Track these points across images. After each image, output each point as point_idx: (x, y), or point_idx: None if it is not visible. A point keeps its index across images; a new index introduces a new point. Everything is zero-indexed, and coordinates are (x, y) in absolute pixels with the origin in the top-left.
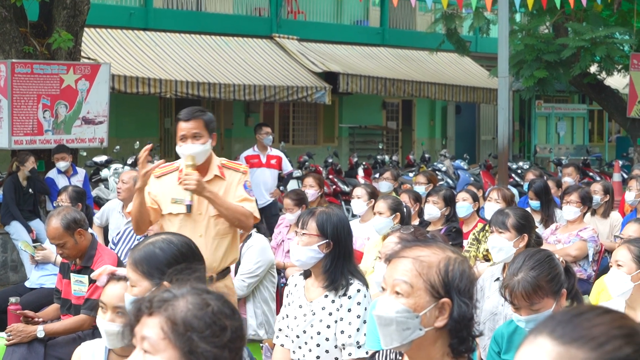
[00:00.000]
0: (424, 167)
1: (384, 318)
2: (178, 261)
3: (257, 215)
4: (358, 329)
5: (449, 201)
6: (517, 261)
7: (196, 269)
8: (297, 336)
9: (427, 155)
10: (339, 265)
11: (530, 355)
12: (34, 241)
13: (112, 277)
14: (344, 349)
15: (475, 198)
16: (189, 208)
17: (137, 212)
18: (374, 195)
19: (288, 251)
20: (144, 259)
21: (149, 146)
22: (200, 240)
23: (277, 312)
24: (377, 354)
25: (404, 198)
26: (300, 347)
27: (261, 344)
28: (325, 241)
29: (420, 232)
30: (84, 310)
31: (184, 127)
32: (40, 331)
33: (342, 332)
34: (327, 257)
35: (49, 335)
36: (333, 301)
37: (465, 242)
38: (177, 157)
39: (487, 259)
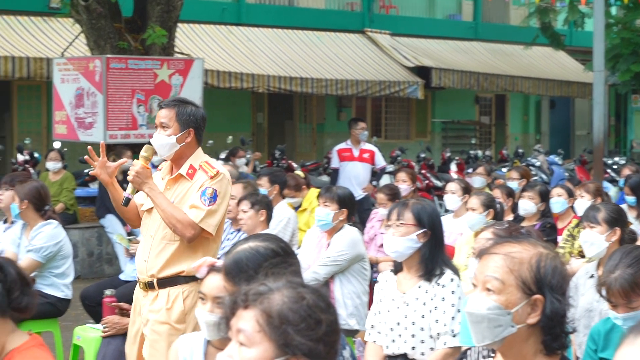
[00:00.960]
0: (517, 162)
1: (475, 315)
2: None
3: (206, 227)
4: (452, 318)
5: (544, 197)
6: (613, 258)
7: (292, 262)
8: (391, 329)
9: (520, 150)
10: (435, 254)
11: (630, 357)
12: (129, 234)
13: (212, 268)
14: (438, 338)
15: (570, 194)
16: (126, 201)
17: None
18: (467, 190)
19: (381, 245)
20: (235, 267)
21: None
22: (149, 240)
23: (369, 305)
24: (468, 351)
25: (497, 193)
26: (394, 341)
27: (354, 338)
28: (422, 230)
29: (514, 228)
30: None
31: (159, 114)
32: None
33: (437, 321)
34: (424, 247)
35: None
36: (427, 291)
37: (559, 239)
38: (270, 152)
39: (582, 255)
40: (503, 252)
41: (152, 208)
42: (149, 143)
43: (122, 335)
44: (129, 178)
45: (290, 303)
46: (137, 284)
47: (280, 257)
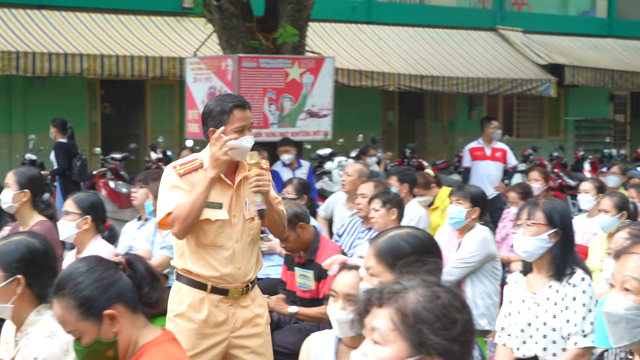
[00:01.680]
0: None
1: (612, 315)
2: (423, 255)
3: None
4: (584, 318)
5: None
6: None
7: (427, 261)
8: (522, 330)
9: None
10: (566, 254)
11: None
12: (261, 232)
13: (344, 266)
14: (569, 338)
15: None
16: (263, 213)
17: (195, 211)
18: (601, 189)
19: (512, 245)
20: (389, 250)
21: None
22: (237, 245)
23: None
24: (605, 353)
25: (632, 193)
26: (524, 342)
27: (486, 339)
28: (554, 230)
29: None
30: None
31: (242, 115)
32: (293, 307)
33: (568, 321)
34: (556, 246)
35: (300, 317)
36: (557, 291)
37: None
38: (400, 150)
39: None
40: None
41: (220, 219)
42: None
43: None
44: (262, 189)
45: (425, 302)
46: (209, 295)
47: (426, 254)
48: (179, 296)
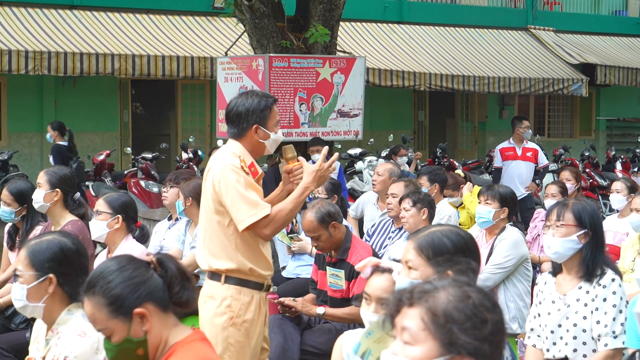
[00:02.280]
0: None
1: None
2: (464, 253)
3: None
4: (614, 319)
5: None
6: None
7: (459, 260)
8: (552, 331)
9: None
10: (596, 255)
11: None
12: (290, 232)
13: (377, 269)
14: (599, 339)
15: None
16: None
17: (293, 216)
18: (633, 189)
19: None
20: (431, 245)
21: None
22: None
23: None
24: (637, 353)
25: None
26: (555, 343)
27: (516, 339)
28: (583, 231)
29: None
30: (356, 303)
31: (277, 110)
32: (320, 308)
33: (598, 322)
34: (586, 247)
35: (327, 318)
36: (587, 292)
37: None
38: (431, 150)
39: None
40: None
41: None
42: (283, 143)
43: (285, 332)
44: (317, 182)
45: (456, 302)
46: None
47: (466, 252)
48: (241, 301)
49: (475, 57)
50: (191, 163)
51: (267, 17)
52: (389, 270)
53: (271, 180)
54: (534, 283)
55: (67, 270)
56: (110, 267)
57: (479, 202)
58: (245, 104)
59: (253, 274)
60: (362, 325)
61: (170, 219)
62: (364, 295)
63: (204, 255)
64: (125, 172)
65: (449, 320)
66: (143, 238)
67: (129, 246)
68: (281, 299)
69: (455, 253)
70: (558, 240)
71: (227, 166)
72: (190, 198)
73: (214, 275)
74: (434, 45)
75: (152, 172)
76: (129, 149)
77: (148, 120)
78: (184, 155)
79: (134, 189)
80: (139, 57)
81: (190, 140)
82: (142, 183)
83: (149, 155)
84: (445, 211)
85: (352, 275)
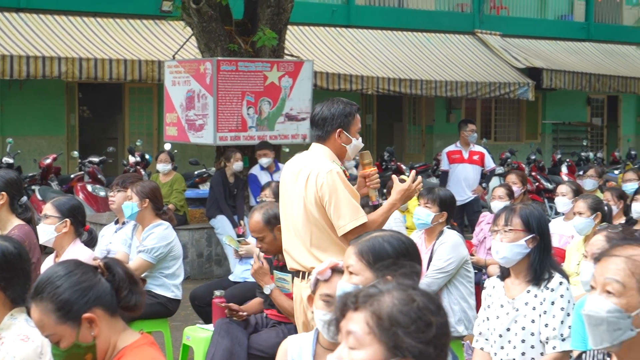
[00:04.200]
0: (629, 164)
1: (594, 318)
2: (405, 258)
3: None
4: (562, 322)
5: None
6: None
7: (402, 264)
8: (500, 335)
9: (633, 152)
10: (544, 259)
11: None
12: (239, 236)
13: (336, 270)
14: (547, 342)
15: None
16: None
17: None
18: (578, 192)
19: (490, 248)
20: (372, 250)
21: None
22: None
23: (478, 307)
24: (584, 355)
25: (608, 196)
26: (503, 347)
27: (462, 342)
28: (531, 236)
29: (628, 231)
30: None
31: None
32: (267, 288)
33: (546, 325)
34: (533, 252)
35: (272, 299)
36: (536, 295)
37: None
38: (379, 154)
39: None
40: (625, 255)
41: None
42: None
43: (232, 335)
44: (403, 200)
45: (401, 305)
46: None
47: (407, 257)
48: None
49: (423, 61)
50: (138, 167)
51: (214, 20)
52: None
53: (218, 182)
54: (479, 286)
55: (9, 275)
56: (57, 272)
57: (419, 204)
58: (332, 109)
59: None
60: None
61: (117, 222)
62: (323, 297)
63: (310, 254)
64: (72, 175)
65: (393, 323)
66: (92, 242)
67: (77, 250)
68: (229, 304)
69: (396, 258)
70: (506, 245)
71: (332, 171)
72: (147, 199)
73: None
74: (382, 49)
75: (99, 176)
76: (75, 152)
77: (95, 124)
78: (131, 159)
79: (80, 193)
80: (86, 60)
81: (137, 143)
82: (89, 187)
83: (96, 159)
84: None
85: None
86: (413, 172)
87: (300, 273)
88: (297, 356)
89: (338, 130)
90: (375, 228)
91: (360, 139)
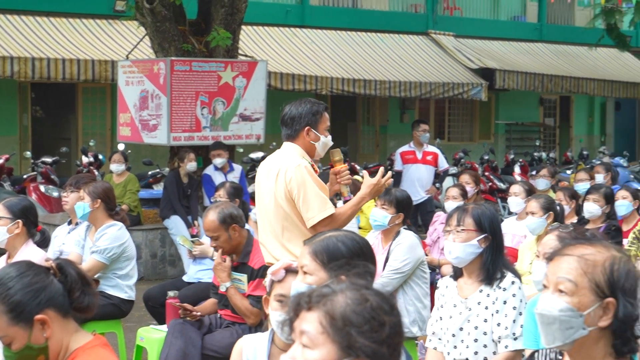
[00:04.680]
0: (582, 164)
1: (546, 316)
2: (359, 258)
3: None
4: (514, 321)
5: (609, 199)
6: None
7: (356, 264)
8: (453, 335)
9: (585, 152)
10: (496, 258)
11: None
12: (193, 236)
13: (290, 270)
14: (500, 342)
15: (635, 196)
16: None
17: (349, 221)
18: (531, 192)
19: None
20: (326, 250)
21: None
22: None
23: (432, 307)
24: (536, 354)
25: (560, 196)
26: (456, 346)
27: (416, 341)
28: (483, 235)
29: (579, 231)
30: (256, 304)
31: (327, 117)
32: (223, 285)
33: (498, 324)
34: (486, 251)
35: (228, 297)
36: (488, 295)
37: (625, 241)
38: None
39: None
40: (577, 254)
41: None
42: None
43: (186, 336)
44: (348, 182)
45: (354, 305)
46: None
47: (361, 257)
48: None
49: (377, 62)
50: (92, 167)
51: (168, 20)
52: None
53: (172, 183)
54: (433, 285)
55: None
56: (9, 273)
57: (375, 205)
58: (299, 108)
59: None
60: (259, 330)
61: (70, 223)
62: (278, 298)
63: (283, 248)
64: (25, 176)
65: (347, 323)
66: (44, 242)
67: (29, 251)
68: (183, 304)
69: (350, 258)
70: (459, 245)
71: (300, 165)
72: (99, 200)
73: None
74: (336, 50)
75: (52, 177)
76: (28, 152)
77: (48, 124)
78: (85, 159)
79: (33, 194)
80: (39, 60)
81: (90, 144)
82: (42, 187)
83: (49, 160)
84: None
85: (254, 278)
86: (382, 168)
87: None
88: (252, 356)
89: (306, 129)
90: (344, 220)
91: (329, 136)
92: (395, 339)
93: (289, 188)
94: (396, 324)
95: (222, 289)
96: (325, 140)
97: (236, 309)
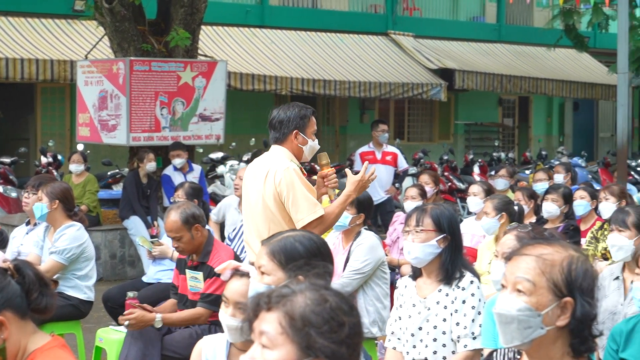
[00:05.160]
0: (540, 164)
1: (505, 316)
2: (316, 258)
3: None
4: (473, 320)
5: (568, 199)
6: None
7: (315, 265)
8: (412, 334)
9: (544, 153)
10: (455, 258)
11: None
12: (152, 237)
13: (236, 272)
14: (459, 341)
15: (593, 196)
16: None
17: (336, 220)
18: (490, 192)
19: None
20: (283, 250)
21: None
22: None
23: (392, 307)
24: (495, 353)
25: (519, 196)
26: (414, 346)
27: (376, 341)
28: (442, 235)
29: (538, 231)
30: (201, 304)
31: (315, 121)
32: (158, 321)
33: (457, 324)
34: (445, 251)
35: (167, 325)
36: (447, 294)
37: (583, 241)
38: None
39: (605, 257)
40: (535, 254)
41: None
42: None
43: (145, 338)
44: (335, 185)
45: (313, 305)
46: None
47: (318, 257)
48: None
49: (336, 62)
50: (50, 167)
51: (127, 20)
52: (248, 275)
53: (131, 183)
54: (392, 286)
55: None
56: None
57: None
58: (287, 112)
59: None
60: (219, 330)
61: (28, 224)
62: (223, 298)
63: None
64: None
65: (306, 323)
66: (2, 243)
67: None
68: (142, 305)
69: (308, 258)
70: (418, 245)
71: (289, 168)
72: (57, 201)
73: None
74: (296, 50)
75: (11, 177)
76: None
77: (6, 124)
78: (43, 160)
79: None
80: None
81: (49, 144)
82: (0, 188)
83: (8, 160)
84: None
85: (210, 277)
86: (366, 163)
87: None
88: (212, 356)
89: (294, 132)
90: (332, 220)
91: (316, 140)
92: (354, 339)
93: (279, 190)
94: (355, 325)
95: (157, 325)
96: (312, 144)
97: (184, 324)
